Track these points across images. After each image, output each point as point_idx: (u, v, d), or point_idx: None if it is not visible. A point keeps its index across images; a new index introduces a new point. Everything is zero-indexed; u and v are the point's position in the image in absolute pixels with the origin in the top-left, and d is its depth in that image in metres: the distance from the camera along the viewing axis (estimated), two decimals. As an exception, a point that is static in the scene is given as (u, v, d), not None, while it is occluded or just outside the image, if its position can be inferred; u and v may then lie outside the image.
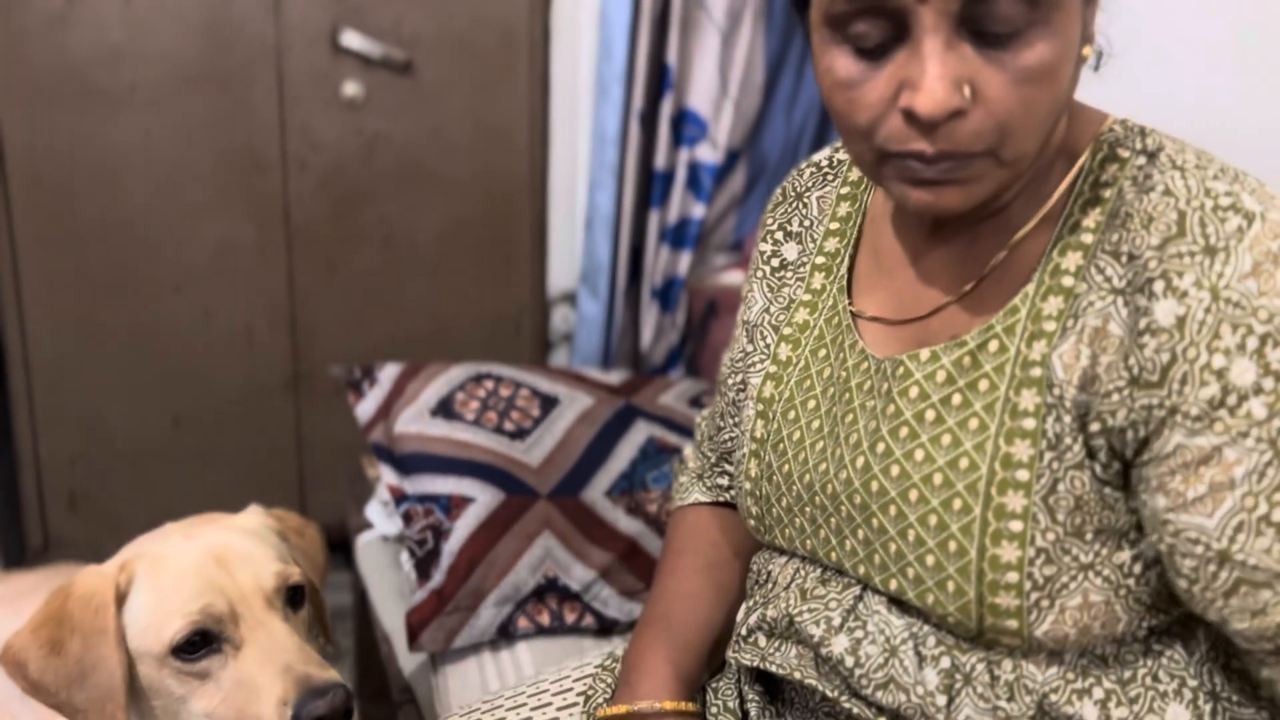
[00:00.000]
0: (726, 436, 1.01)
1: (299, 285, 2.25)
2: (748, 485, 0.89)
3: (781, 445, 0.86)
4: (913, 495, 0.76)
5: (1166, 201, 0.70)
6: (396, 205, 2.26)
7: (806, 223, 0.93)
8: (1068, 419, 0.72)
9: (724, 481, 1.04)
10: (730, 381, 0.98)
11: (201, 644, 0.89)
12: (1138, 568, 0.73)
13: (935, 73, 0.66)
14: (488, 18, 2.21)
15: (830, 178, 0.93)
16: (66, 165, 2.07)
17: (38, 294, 2.11)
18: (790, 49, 2.35)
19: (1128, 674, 0.76)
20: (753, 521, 0.90)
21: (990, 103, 0.67)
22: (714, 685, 0.96)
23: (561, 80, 2.32)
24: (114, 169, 2.10)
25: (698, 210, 2.32)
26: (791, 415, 0.87)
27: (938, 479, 0.75)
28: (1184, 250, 0.68)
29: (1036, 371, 0.73)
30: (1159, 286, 0.68)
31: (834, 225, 0.90)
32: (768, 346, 0.91)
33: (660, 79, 2.24)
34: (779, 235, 0.95)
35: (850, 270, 0.88)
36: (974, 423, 0.74)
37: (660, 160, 2.27)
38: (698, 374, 2.27)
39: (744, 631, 0.90)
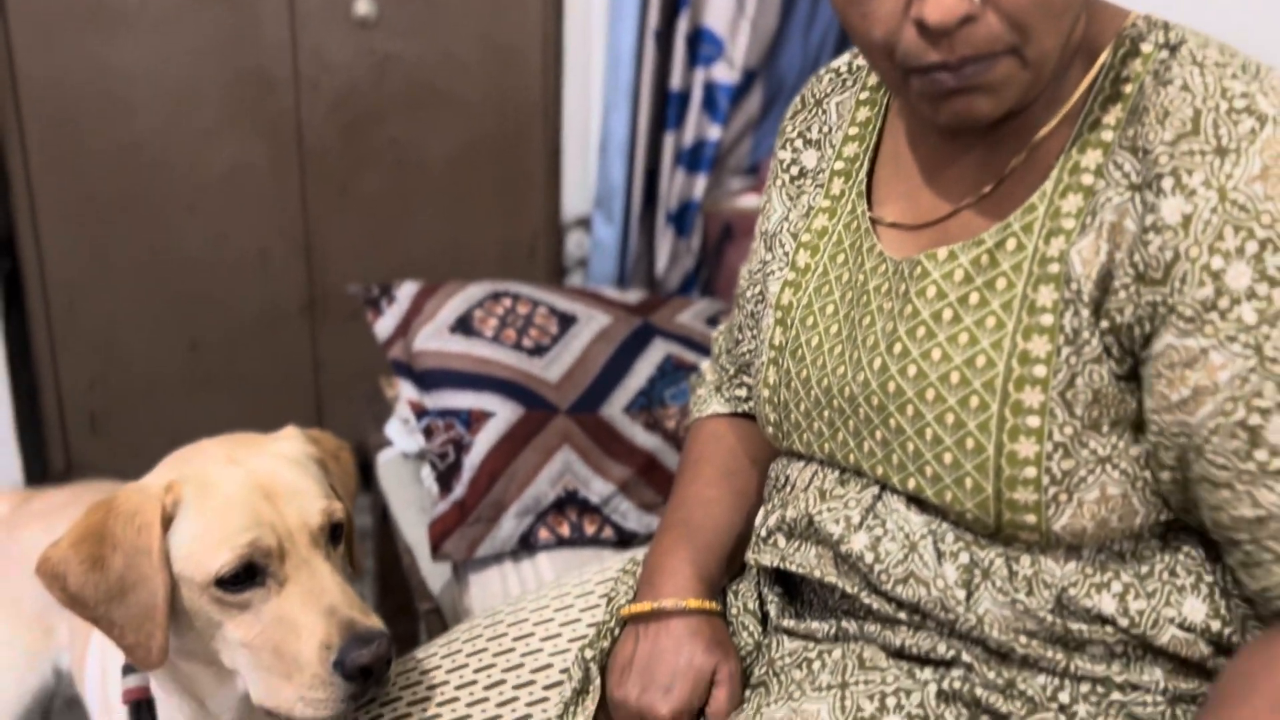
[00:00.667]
0: (745, 349, 1.01)
1: (312, 208, 2.24)
2: (766, 392, 0.90)
3: (800, 351, 0.87)
4: (930, 394, 0.77)
5: (1183, 97, 0.70)
6: (408, 127, 2.24)
7: (825, 129, 0.92)
8: (1085, 314, 0.72)
9: (742, 393, 1.04)
10: (749, 294, 0.98)
11: (245, 577, 0.88)
12: (1154, 460, 0.74)
13: None
14: (500, -66, 2.17)
15: (849, 83, 0.92)
16: (78, 87, 2.05)
17: (52, 217, 2.11)
18: (808, -34, 2.31)
19: (1145, 569, 0.76)
20: (771, 429, 0.91)
21: (1002, 3, 0.67)
22: (734, 588, 0.98)
23: (575, -1, 2.28)
24: (125, 90, 2.08)
25: (714, 132, 2.29)
26: (810, 321, 0.87)
27: (955, 377, 0.75)
28: (1196, 148, 0.68)
29: (1054, 268, 0.73)
30: (1168, 183, 0.68)
31: (853, 130, 0.90)
32: (786, 254, 0.91)
33: (676, -4, 2.21)
34: (798, 143, 0.94)
35: (870, 175, 0.88)
36: (991, 321, 0.75)
37: (676, 81, 2.24)
38: (713, 297, 2.26)
39: (763, 533, 0.91)
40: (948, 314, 0.77)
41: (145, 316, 2.22)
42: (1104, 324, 0.72)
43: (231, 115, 2.15)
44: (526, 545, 1.38)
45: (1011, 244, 0.75)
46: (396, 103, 2.22)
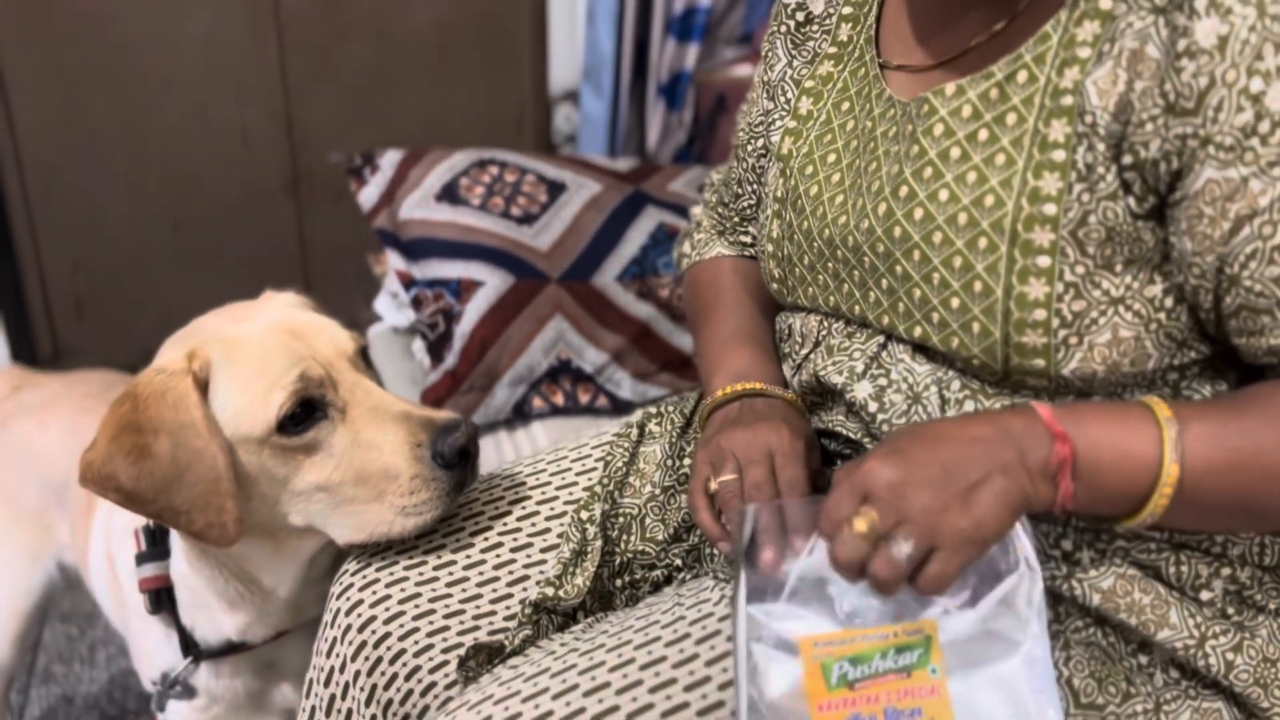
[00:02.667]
0: (746, 203, 0.99)
1: (292, 82, 2.17)
2: (770, 246, 0.88)
3: (800, 202, 0.84)
4: (936, 237, 0.74)
5: None
6: (389, -4, 2.16)
7: None
8: (1101, 148, 0.69)
9: (747, 239, 1.02)
10: (750, 146, 0.95)
11: (304, 416, 0.84)
12: (1169, 301, 0.72)
13: None
14: None
15: None
16: (41, -48, 1.96)
17: (23, 94, 2.04)
18: None
19: None
20: (775, 284, 0.89)
21: None
22: None
23: None
24: (91, -44, 1.99)
25: (705, -2, 2.22)
26: (809, 170, 0.84)
27: (962, 218, 0.73)
28: None
29: (1068, 100, 0.70)
30: (1201, 4, 0.64)
31: None
32: (788, 102, 0.88)
33: None
34: None
35: (879, 20, 0.84)
36: (1000, 158, 0.72)
37: (665, -56, 2.16)
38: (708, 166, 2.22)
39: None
40: (955, 152, 0.74)
41: (126, 197, 2.17)
42: (1126, 159, 0.68)
43: (205, -17, 2.06)
44: (521, 414, 1.37)
45: (1023, 76, 0.72)
46: (376, -31, 2.14)
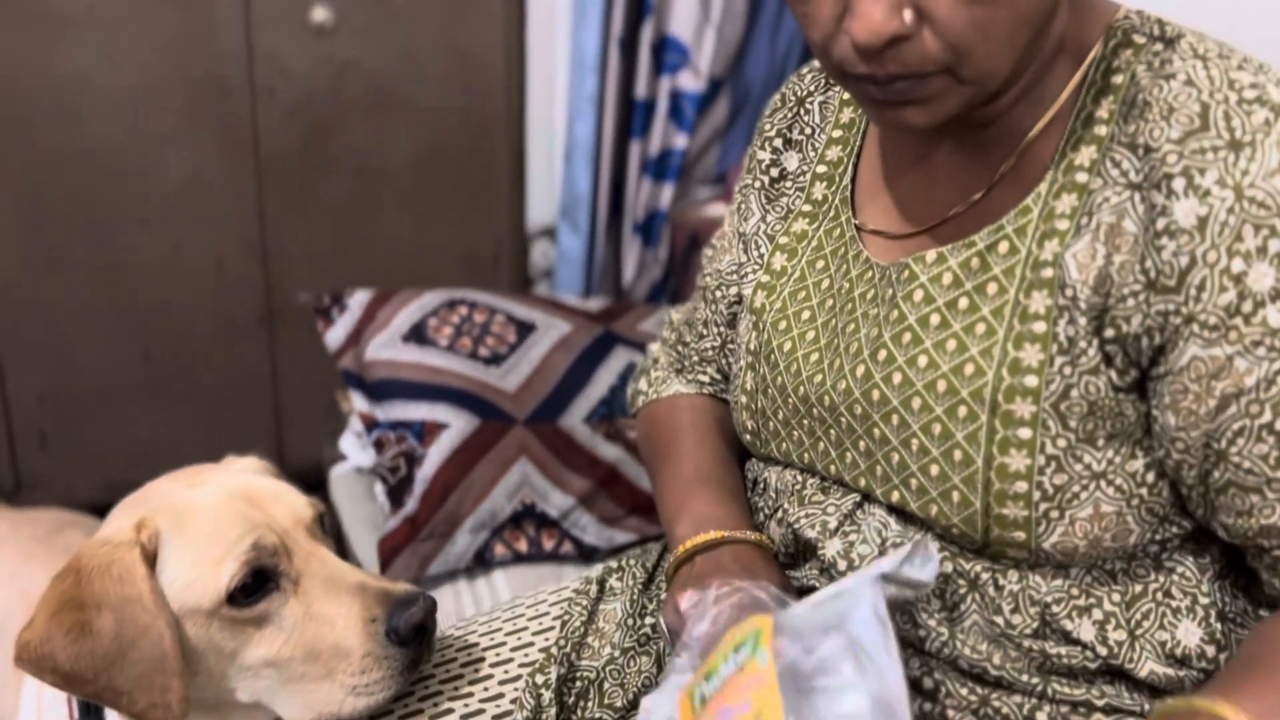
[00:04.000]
0: (709, 345, 0.98)
1: (269, 217, 2.19)
2: (744, 398, 0.86)
3: (773, 357, 0.84)
4: (915, 403, 0.73)
5: (1188, 92, 0.66)
6: (368, 134, 2.20)
7: (808, 130, 0.89)
8: (1082, 321, 0.69)
9: (705, 378, 1.00)
10: (720, 293, 0.95)
11: (255, 587, 0.81)
12: (1150, 476, 0.71)
13: (861, 1, 0.63)
14: (461, -62, 2.13)
15: (833, 82, 0.89)
16: (23, 90, 1.99)
17: (1, 227, 2.05)
18: (774, -26, 2.29)
19: (1138, 588, 0.73)
20: (749, 436, 0.87)
21: (939, 23, 0.63)
22: None
23: (538, 4, 2.25)
24: (74, 93, 2.02)
25: (680, 141, 2.26)
26: (783, 325, 0.84)
27: (942, 386, 0.72)
28: (1207, 145, 0.64)
29: (1048, 272, 0.69)
30: (1179, 184, 0.65)
31: (836, 133, 0.87)
32: (761, 256, 0.88)
33: (640, 3, 2.18)
34: (778, 143, 0.90)
35: (853, 180, 0.85)
36: (981, 327, 0.72)
37: (641, 89, 2.21)
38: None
39: None
40: (935, 319, 0.74)
41: (97, 328, 2.16)
42: (1108, 333, 0.68)
43: (186, 122, 2.10)
44: (482, 562, 1.33)
45: (1004, 247, 0.72)
46: (356, 109, 2.18)
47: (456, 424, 1.38)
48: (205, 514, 0.83)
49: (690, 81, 2.24)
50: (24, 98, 2.00)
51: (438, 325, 1.50)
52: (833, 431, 0.79)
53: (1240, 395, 0.65)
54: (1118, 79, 0.70)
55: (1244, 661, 0.68)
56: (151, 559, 0.81)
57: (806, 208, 0.86)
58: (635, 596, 0.94)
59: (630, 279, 2.29)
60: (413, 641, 0.81)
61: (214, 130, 2.11)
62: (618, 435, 1.45)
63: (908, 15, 0.62)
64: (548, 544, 1.36)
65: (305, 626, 0.81)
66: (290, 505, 0.86)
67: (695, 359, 1.01)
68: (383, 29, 2.14)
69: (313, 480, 1.85)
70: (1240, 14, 1.15)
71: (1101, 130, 0.70)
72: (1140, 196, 0.66)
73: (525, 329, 1.53)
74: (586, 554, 1.38)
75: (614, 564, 0.99)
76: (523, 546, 1.35)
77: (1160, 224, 0.65)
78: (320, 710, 0.81)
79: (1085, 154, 0.70)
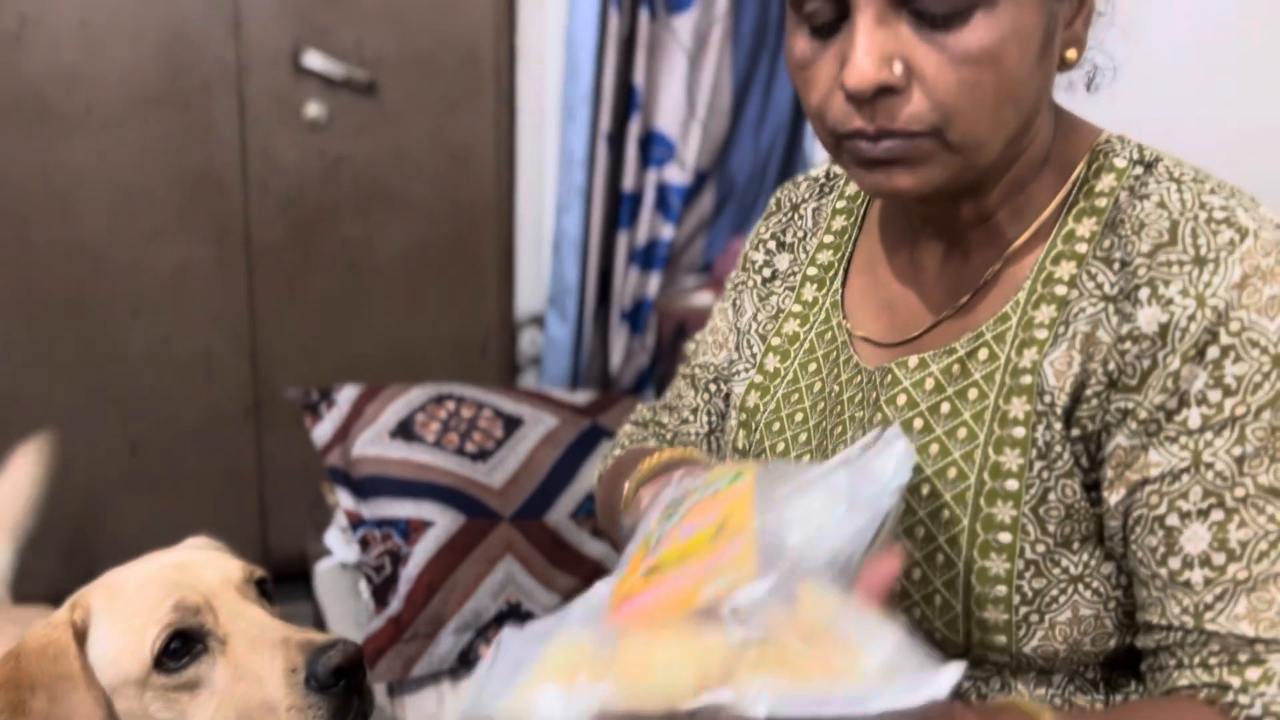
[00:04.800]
0: (693, 429, 0.98)
1: (260, 309, 2.21)
2: None
3: (763, 457, 0.84)
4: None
5: (1160, 212, 0.69)
6: (360, 227, 2.23)
7: (800, 234, 0.91)
8: (1058, 426, 0.70)
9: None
10: (713, 386, 0.96)
11: (183, 650, 0.81)
12: (1124, 579, 0.72)
13: (863, 47, 0.66)
14: (452, 38, 2.19)
15: (826, 190, 0.92)
16: (20, 187, 2.03)
17: (-10, 319, 2.06)
18: (757, 71, 2.35)
19: (1118, 698, 0.73)
20: None
21: (928, 82, 0.66)
22: None
23: (527, 101, 2.30)
24: (69, 191, 2.05)
25: (666, 231, 2.30)
26: (776, 427, 0.85)
27: (925, 489, 0.73)
28: (1174, 259, 0.67)
29: (1027, 379, 0.71)
30: (1144, 294, 0.67)
31: (828, 238, 0.89)
32: (754, 356, 0.89)
33: (627, 100, 2.23)
34: (771, 245, 0.93)
35: (844, 284, 0.87)
36: (962, 432, 0.73)
37: (628, 182, 2.26)
38: (667, 396, 2.24)
39: None
40: (918, 423, 0.75)
41: (83, 420, 2.16)
42: (1074, 432, 0.70)
43: (179, 217, 2.13)
44: (466, 663, 1.32)
45: (984, 353, 0.74)
46: (348, 203, 2.21)
47: (442, 521, 1.37)
48: (133, 586, 0.84)
49: (676, 175, 2.28)
50: (19, 194, 2.03)
51: (425, 420, 1.51)
52: None
53: (1144, 484, 0.67)
54: (1101, 202, 0.73)
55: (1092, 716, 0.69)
56: (82, 636, 0.82)
57: (797, 308, 0.88)
58: None
59: (618, 366, 2.31)
60: (333, 687, 0.80)
61: (206, 224, 2.14)
62: (604, 532, 1.45)
63: (898, 67, 0.66)
64: (533, 643, 1.34)
65: (235, 687, 0.80)
66: (219, 568, 0.86)
67: (671, 437, 1.00)
68: (375, 125, 2.18)
69: (296, 572, 1.83)
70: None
71: (1082, 248, 0.72)
72: (1114, 308, 0.69)
73: (512, 423, 1.53)
74: (572, 653, 1.36)
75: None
76: None
77: (1125, 329, 0.68)
78: None
79: (1065, 268, 0.72)
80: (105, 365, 2.14)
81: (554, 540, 1.41)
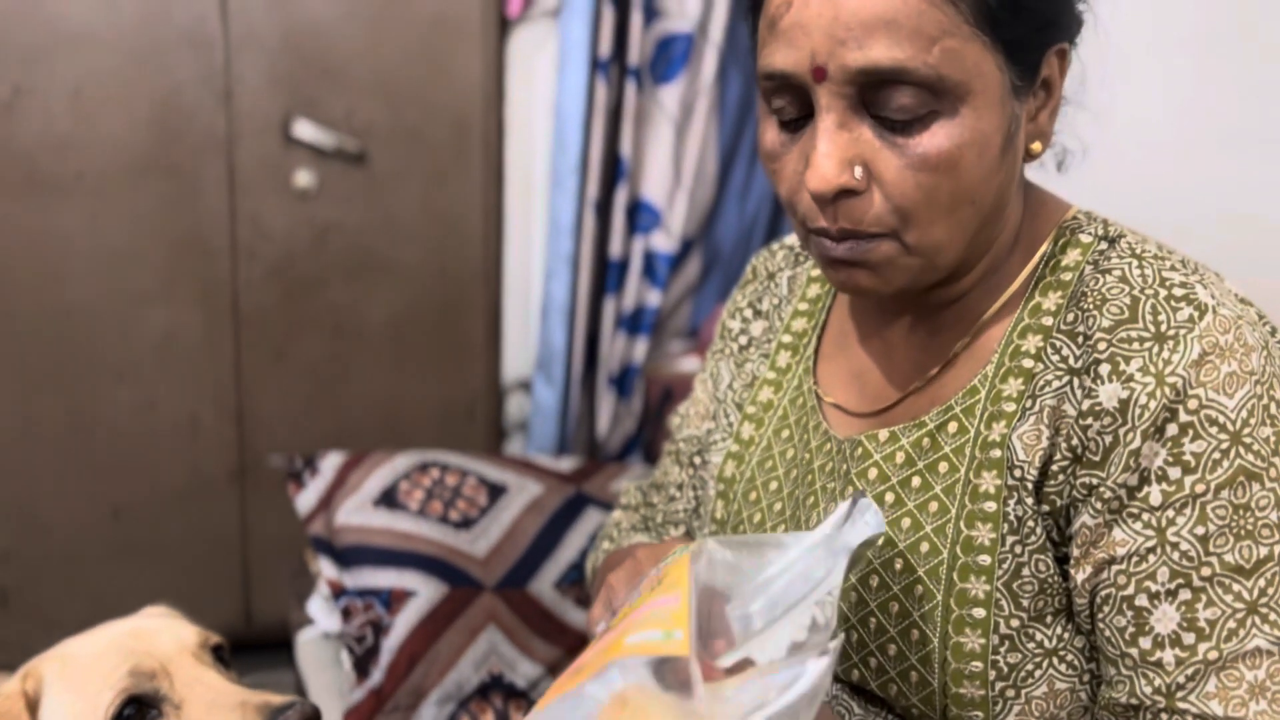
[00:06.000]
0: (680, 506, 0.98)
1: (246, 374, 2.21)
2: None
3: (742, 527, 0.84)
4: (873, 581, 0.74)
5: (1121, 287, 0.70)
6: (348, 294, 2.24)
7: (775, 301, 0.92)
8: (1029, 501, 0.71)
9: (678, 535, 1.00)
10: (696, 459, 0.96)
11: (137, 717, 0.81)
12: (1095, 652, 0.71)
13: (823, 150, 0.67)
14: (441, 109, 2.22)
15: (802, 259, 0.93)
16: (9, 253, 2.03)
17: (-25, 384, 2.06)
18: (742, 141, 2.39)
19: None
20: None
21: (886, 186, 0.67)
22: None
23: (516, 171, 2.33)
24: (57, 256, 2.06)
25: (653, 298, 2.32)
26: (753, 497, 0.85)
27: (899, 564, 0.73)
28: (1134, 335, 0.68)
29: (996, 453, 0.72)
30: (1105, 369, 0.68)
31: (803, 306, 0.90)
32: (730, 425, 0.89)
33: (614, 170, 2.27)
34: (748, 313, 0.94)
35: (817, 352, 0.87)
36: (934, 505, 0.73)
37: (615, 249, 2.28)
38: (654, 461, 2.24)
39: None
40: (890, 497, 0.75)
41: (66, 484, 2.14)
42: (1044, 507, 0.70)
43: (167, 283, 2.13)
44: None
45: (953, 427, 0.74)
46: (336, 269, 2.23)
47: (425, 591, 1.36)
48: (87, 655, 0.83)
49: (663, 242, 2.31)
50: (7, 259, 2.04)
51: (409, 489, 1.50)
52: None
53: (1111, 564, 0.68)
54: (1066, 275, 0.74)
55: None
56: (34, 706, 0.82)
57: (771, 375, 0.89)
58: None
59: (605, 431, 2.31)
60: None
61: (193, 289, 2.15)
62: (589, 600, 1.43)
63: (858, 171, 0.67)
64: (515, 717, 1.33)
65: None
66: (175, 635, 0.86)
67: (661, 519, 1.01)
68: (364, 193, 2.21)
69: (280, 642, 1.81)
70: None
71: (1048, 321, 0.73)
72: (1077, 381, 0.69)
73: (497, 491, 1.53)
74: (556, 725, 1.34)
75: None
76: (490, 719, 1.32)
77: (1086, 405, 0.68)
78: None
79: (1031, 341, 0.73)
80: (90, 430, 2.13)
81: (537, 609, 1.40)
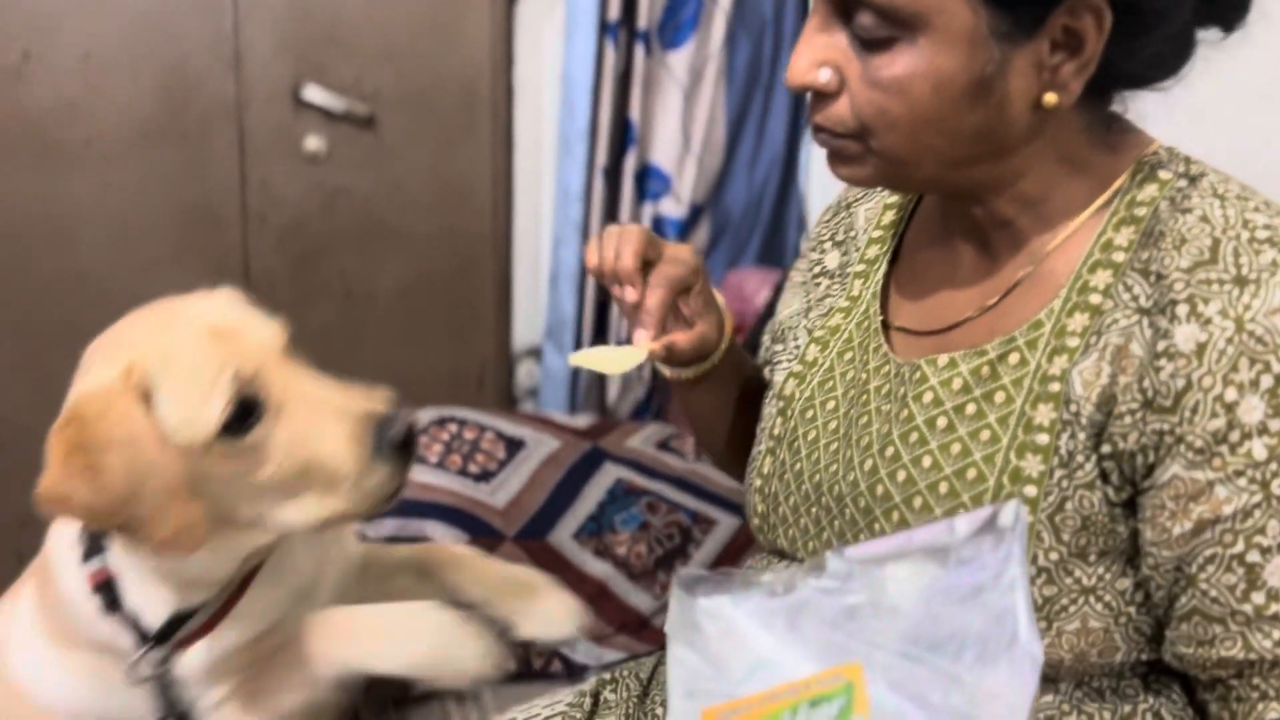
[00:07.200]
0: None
1: (258, 341, 2.21)
2: (758, 482, 0.88)
3: (796, 444, 0.85)
4: (916, 502, 0.75)
5: (1202, 227, 0.69)
6: (358, 260, 2.24)
7: (852, 232, 0.93)
8: (1082, 436, 0.70)
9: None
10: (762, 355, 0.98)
11: (243, 417, 0.84)
12: (1139, 595, 0.72)
13: (798, 49, 0.72)
14: (450, 74, 2.22)
15: (878, 189, 0.94)
16: (21, 219, 2.04)
17: (-13, 350, 2.06)
18: (751, 107, 2.39)
19: (1127, 708, 0.73)
20: (757, 520, 0.88)
21: (851, 94, 0.71)
22: None
23: (525, 136, 2.33)
24: (69, 223, 2.06)
25: (662, 264, 2.32)
26: (810, 414, 0.85)
27: (943, 488, 0.74)
28: (1213, 277, 0.67)
29: (1055, 387, 0.71)
30: (1183, 310, 0.67)
31: (876, 234, 0.91)
32: (797, 347, 0.90)
33: (623, 135, 2.26)
34: (826, 245, 0.95)
35: (888, 278, 0.88)
36: (985, 434, 0.73)
37: (624, 215, 2.28)
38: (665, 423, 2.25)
39: None
40: (942, 422, 0.75)
41: (79, 453, 2.15)
42: (1105, 448, 0.70)
43: (178, 249, 2.14)
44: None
45: (1014, 358, 0.74)
46: (346, 236, 2.23)
47: (445, 540, 1.37)
48: (185, 354, 0.86)
49: (672, 208, 2.31)
50: (19, 225, 2.04)
51: (428, 443, 1.51)
52: (836, 522, 0.80)
53: (1216, 523, 0.66)
54: (1141, 211, 0.73)
55: None
56: (146, 399, 0.84)
57: (844, 303, 0.90)
58: (631, 710, 0.93)
59: (614, 398, 2.31)
60: (396, 455, 0.86)
61: (204, 255, 2.15)
62: (606, 551, 1.44)
63: (825, 73, 0.72)
64: (536, 663, 1.33)
65: (295, 449, 0.85)
66: (260, 332, 0.90)
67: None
68: (374, 159, 2.21)
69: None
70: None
71: (1119, 257, 0.72)
72: (1148, 321, 0.68)
73: (514, 445, 1.53)
74: (575, 673, 1.36)
75: (608, 676, 0.98)
76: (510, 666, 1.33)
77: (1161, 346, 0.67)
78: (328, 514, 0.86)
79: (1100, 277, 0.72)
80: (101, 396, 2.14)
81: (556, 559, 1.41)
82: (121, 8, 2.02)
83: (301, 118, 2.14)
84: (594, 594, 1.40)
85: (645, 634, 1.42)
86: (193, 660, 0.93)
